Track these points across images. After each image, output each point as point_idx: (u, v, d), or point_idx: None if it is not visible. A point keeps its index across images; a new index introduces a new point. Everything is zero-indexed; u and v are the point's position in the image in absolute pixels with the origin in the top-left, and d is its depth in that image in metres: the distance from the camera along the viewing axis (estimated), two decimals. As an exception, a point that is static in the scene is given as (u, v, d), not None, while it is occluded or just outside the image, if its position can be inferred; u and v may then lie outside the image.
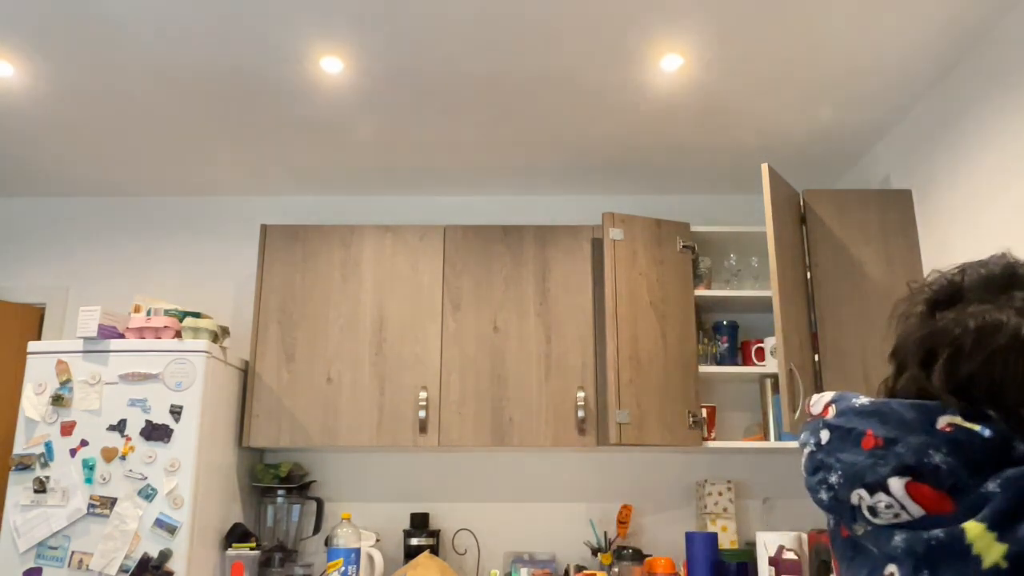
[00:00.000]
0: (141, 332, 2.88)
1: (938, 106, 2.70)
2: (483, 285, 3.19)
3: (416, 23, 2.36)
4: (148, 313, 2.97)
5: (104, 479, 2.71)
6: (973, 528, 0.66)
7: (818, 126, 3.02)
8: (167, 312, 2.97)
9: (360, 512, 3.35)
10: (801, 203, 2.91)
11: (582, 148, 3.19)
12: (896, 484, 0.72)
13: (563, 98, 2.80)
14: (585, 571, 3.04)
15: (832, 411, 0.82)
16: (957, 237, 2.59)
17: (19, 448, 2.77)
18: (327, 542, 2.81)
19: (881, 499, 0.73)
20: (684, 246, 3.17)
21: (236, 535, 2.93)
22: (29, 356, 2.86)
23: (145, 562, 2.62)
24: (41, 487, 2.72)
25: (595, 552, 3.12)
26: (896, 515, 0.72)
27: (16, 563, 2.67)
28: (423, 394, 3.04)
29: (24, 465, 2.75)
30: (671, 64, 2.58)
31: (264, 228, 3.26)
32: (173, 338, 2.88)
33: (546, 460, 3.40)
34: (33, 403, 2.80)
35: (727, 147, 3.19)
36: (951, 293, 0.81)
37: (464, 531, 3.33)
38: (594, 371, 3.10)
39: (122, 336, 2.90)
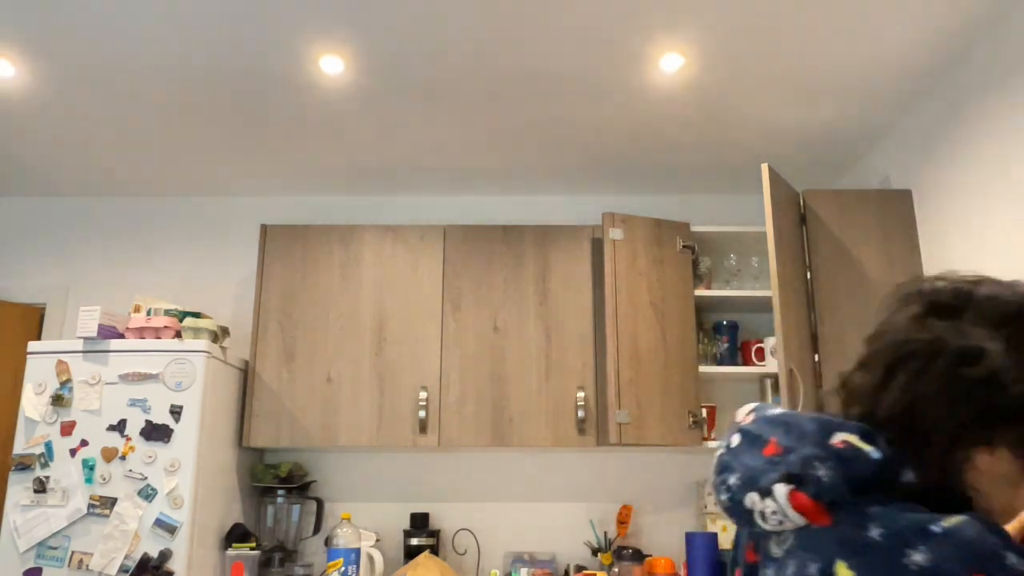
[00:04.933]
0: (141, 332, 2.88)
1: (938, 106, 2.70)
2: (483, 285, 3.19)
3: (416, 23, 2.36)
4: (148, 313, 2.97)
5: (104, 479, 2.71)
6: (843, 573, 0.67)
7: (818, 126, 3.02)
8: (167, 312, 2.97)
9: (360, 512, 3.35)
10: (801, 203, 2.91)
11: (582, 148, 3.19)
12: (780, 491, 0.74)
13: (563, 98, 2.80)
14: (585, 571, 3.04)
15: (750, 419, 0.84)
16: (957, 237, 2.59)
17: (19, 448, 2.77)
18: (327, 542, 2.81)
19: (768, 505, 0.74)
20: (684, 246, 3.17)
21: (236, 535, 2.93)
22: (29, 356, 2.86)
23: (145, 562, 2.62)
24: (41, 487, 2.72)
25: (595, 552, 3.12)
26: (780, 522, 0.74)
27: (16, 563, 2.67)
28: (423, 394, 3.04)
29: (24, 465, 2.75)
30: (671, 64, 2.58)
31: (264, 228, 3.26)
32: (173, 338, 2.88)
33: (546, 460, 3.40)
34: (33, 403, 2.80)
35: (727, 147, 3.19)
36: (952, 304, 0.78)
37: (464, 531, 3.33)
38: (594, 371, 3.10)
39: (122, 336, 2.90)
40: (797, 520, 0.73)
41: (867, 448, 0.73)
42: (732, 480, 0.79)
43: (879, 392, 0.77)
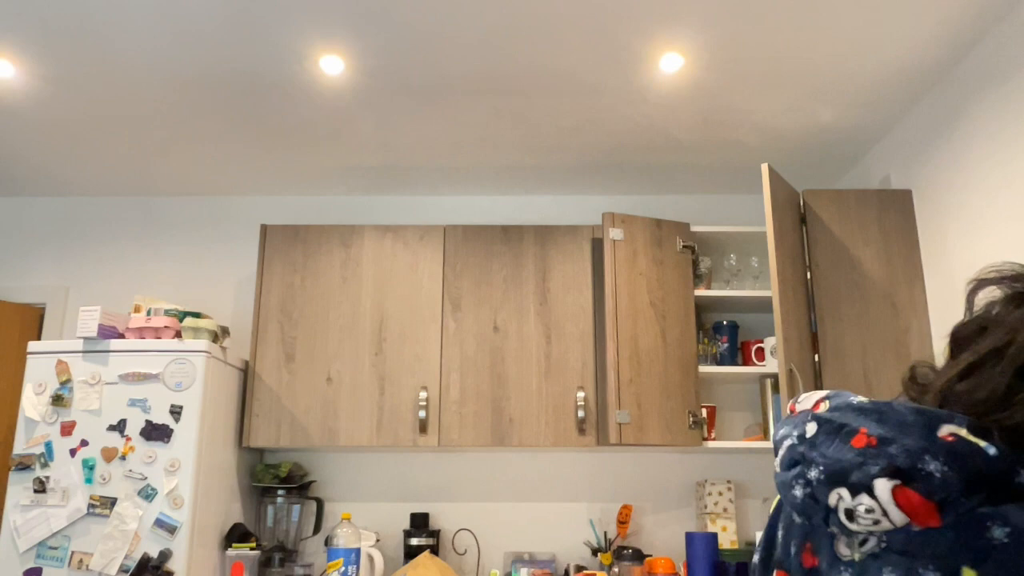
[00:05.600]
0: (141, 332, 2.88)
1: (938, 106, 2.70)
2: (483, 285, 3.19)
3: (416, 23, 2.36)
4: (148, 313, 2.97)
5: (104, 479, 2.71)
6: None
7: (818, 126, 3.02)
8: (167, 312, 2.97)
9: (360, 512, 3.35)
10: (801, 203, 2.91)
11: (582, 148, 3.19)
12: (883, 487, 0.65)
13: (563, 98, 2.80)
14: (585, 571, 3.04)
15: (824, 406, 0.75)
16: (957, 237, 2.59)
17: (19, 448, 2.77)
18: (327, 542, 2.81)
19: (863, 502, 0.66)
20: (684, 246, 3.17)
21: (236, 535, 2.93)
22: (29, 356, 2.86)
23: (145, 562, 2.62)
24: (41, 487, 2.72)
25: (595, 552, 3.12)
26: (876, 522, 0.66)
27: (16, 563, 2.67)
28: (423, 394, 3.04)
29: (24, 465, 2.75)
30: (671, 64, 2.58)
31: (264, 228, 3.26)
32: (173, 338, 2.88)
33: (546, 460, 3.40)
34: (33, 403, 2.80)
35: (727, 147, 3.19)
36: None
37: (464, 531, 3.33)
38: (594, 371, 3.10)
39: (122, 336, 2.90)
40: (899, 520, 0.65)
41: (982, 443, 0.65)
42: (813, 474, 0.69)
43: (1006, 400, 0.68)
